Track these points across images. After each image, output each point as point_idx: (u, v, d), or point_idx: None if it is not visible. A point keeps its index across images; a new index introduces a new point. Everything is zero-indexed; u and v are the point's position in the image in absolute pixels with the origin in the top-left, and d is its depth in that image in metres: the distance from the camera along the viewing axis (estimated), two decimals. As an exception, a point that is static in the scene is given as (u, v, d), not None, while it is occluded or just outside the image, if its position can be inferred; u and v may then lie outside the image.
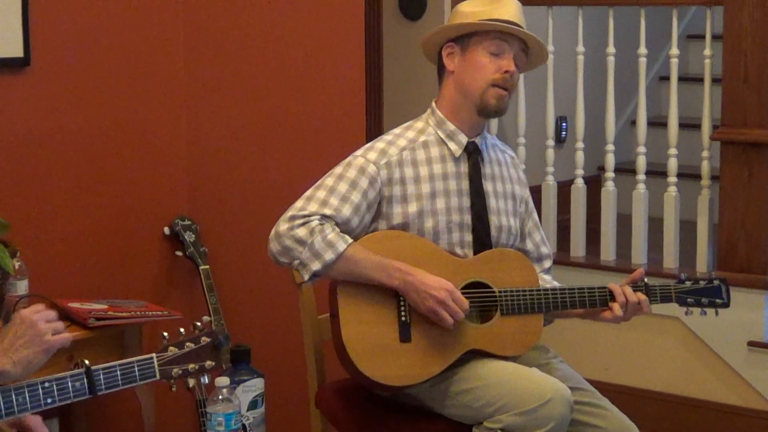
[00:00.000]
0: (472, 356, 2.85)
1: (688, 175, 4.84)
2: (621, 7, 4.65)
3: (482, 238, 2.93)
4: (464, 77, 2.93)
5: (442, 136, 2.96)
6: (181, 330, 2.40)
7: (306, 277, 2.84)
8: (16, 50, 3.44)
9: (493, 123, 4.76)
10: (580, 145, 4.67)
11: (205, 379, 2.44)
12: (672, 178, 4.43)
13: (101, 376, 2.31)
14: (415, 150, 2.93)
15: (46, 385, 2.27)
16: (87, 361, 2.34)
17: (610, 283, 2.92)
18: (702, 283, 2.97)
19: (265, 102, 3.90)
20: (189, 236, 3.83)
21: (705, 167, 4.38)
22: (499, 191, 3.00)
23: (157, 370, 2.33)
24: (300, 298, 3.09)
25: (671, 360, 4.36)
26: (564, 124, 5.51)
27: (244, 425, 3.24)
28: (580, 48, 4.61)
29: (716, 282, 2.98)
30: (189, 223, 3.85)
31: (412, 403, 2.92)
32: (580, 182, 4.69)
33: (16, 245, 3.17)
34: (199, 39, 3.91)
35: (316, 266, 2.80)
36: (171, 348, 2.36)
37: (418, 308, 2.80)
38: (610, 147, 4.59)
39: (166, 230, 3.85)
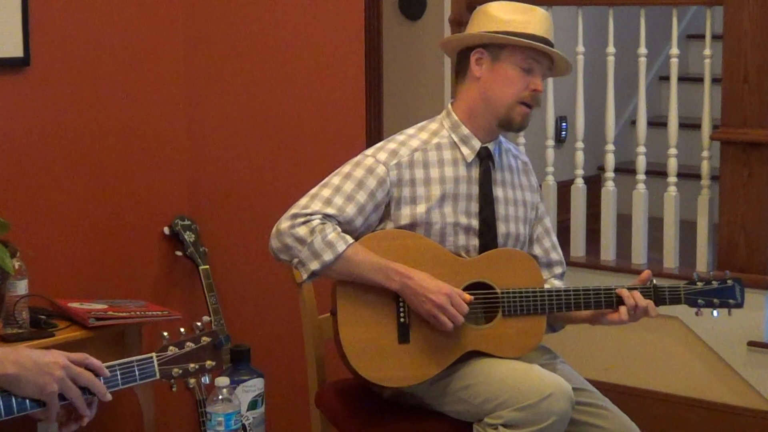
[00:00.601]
0: (472, 354, 2.85)
1: (688, 175, 4.84)
2: (621, 7, 4.64)
3: (488, 244, 2.91)
4: (492, 87, 2.89)
5: (456, 139, 2.93)
6: (182, 330, 2.39)
7: (305, 276, 2.83)
8: (16, 50, 3.44)
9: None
10: (580, 145, 4.67)
11: (205, 379, 2.43)
12: (672, 178, 4.43)
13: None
14: (427, 151, 2.91)
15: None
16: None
17: (619, 288, 2.87)
18: (715, 284, 2.93)
19: (264, 102, 3.90)
20: (189, 236, 3.83)
21: (705, 167, 4.38)
22: (510, 198, 2.97)
23: (157, 370, 2.32)
24: (300, 298, 3.09)
25: (671, 360, 4.35)
26: (564, 124, 5.51)
27: (244, 425, 3.23)
28: (580, 48, 4.61)
29: (730, 282, 2.95)
30: (189, 223, 3.86)
31: (412, 402, 2.91)
32: (580, 182, 4.68)
33: (16, 245, 3.16)
34: (199, 39, 3.91)
35: (315, 266, 2.79)
36: (171, 348, 2.35)
37: (417, 311, 2.79)
38: (610, 147, 4.58)
39: (166, 230, 3.85)
